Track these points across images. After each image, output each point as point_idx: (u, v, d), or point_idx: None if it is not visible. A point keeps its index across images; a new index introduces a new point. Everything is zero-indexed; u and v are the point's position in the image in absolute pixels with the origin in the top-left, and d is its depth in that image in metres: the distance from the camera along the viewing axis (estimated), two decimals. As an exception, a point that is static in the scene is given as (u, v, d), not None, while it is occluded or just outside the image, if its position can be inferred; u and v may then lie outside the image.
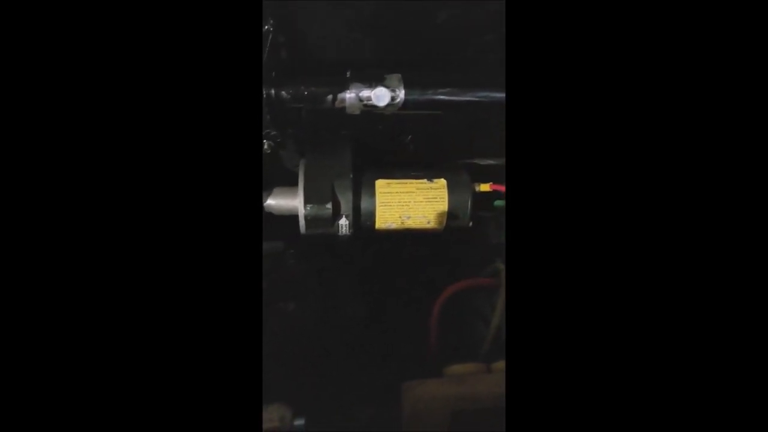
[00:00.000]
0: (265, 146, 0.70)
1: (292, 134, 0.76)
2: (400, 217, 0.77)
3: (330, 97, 0.66)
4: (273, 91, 0.64)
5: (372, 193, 0.77)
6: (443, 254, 0.88)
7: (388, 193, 0.77)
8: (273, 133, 0.67)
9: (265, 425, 0.52)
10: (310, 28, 0.67)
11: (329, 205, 0.74)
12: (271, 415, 0.53)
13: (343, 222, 0.76)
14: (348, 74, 0.66)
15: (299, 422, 0.54)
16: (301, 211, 0.75)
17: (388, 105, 0.66)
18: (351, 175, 0.75)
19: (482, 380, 0.64)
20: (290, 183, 0.81)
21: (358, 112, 0.68)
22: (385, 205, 0.77)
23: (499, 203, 0.80)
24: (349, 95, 0.66)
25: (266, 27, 0.59)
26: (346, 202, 0.75)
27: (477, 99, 0.70)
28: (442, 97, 0.67)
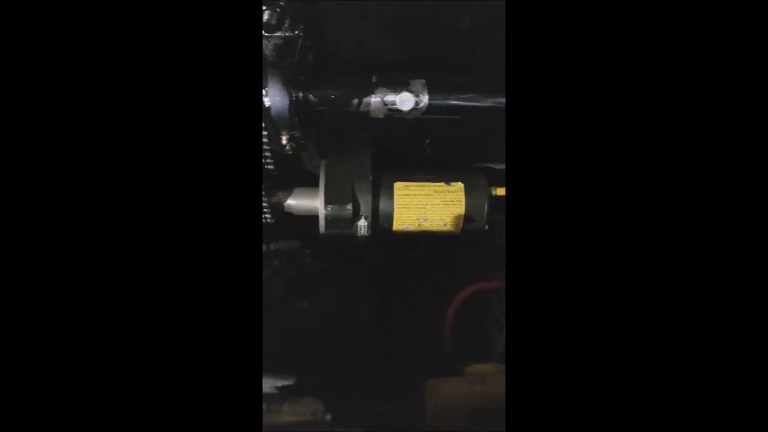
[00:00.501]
0: (287, 148, 0.71)
1: (314, 136, 0.77)
2: (417, 219, 0.79)
3: (356, 100, 0.67)
4: (301, 94, 0.65)
5: (390, 195, 0.78)
6: (458, 257, 0.90)
7: (406, 195, 0.78)
8: (297, 134, 0.69)
9: (298, 418, 0.53)
10: (337, 32, 0.68)
11: (349, 206, 0.75)
12: (304, 408, 0.54)
13: (362, 223, 0.77)
14: (374, 79, 0.67)
15: (327, 417, 0.55)
16: (322, 212, 0.76)
17: (412, 109, 0.67)
18: (371, 177, 0.76)
19: (501, 380, 0.65)
20: (309, 184, 0.82)
21: (382, 115, 0.69)
22: (403, 207, 0.78)
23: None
24: (375, 99, 0.67)
25: (296, 32, 0.60)
26: (365, 204, 0.76)
27: (495, 104, 0.72)
28: (464, 102, 0.69)
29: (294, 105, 0.64)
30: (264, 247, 0.89)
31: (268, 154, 0.72)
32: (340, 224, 0.77)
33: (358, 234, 0.78)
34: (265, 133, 0.68)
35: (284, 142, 0.67)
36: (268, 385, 0.57)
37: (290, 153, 0.73)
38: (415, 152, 0.84)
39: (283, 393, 0.57)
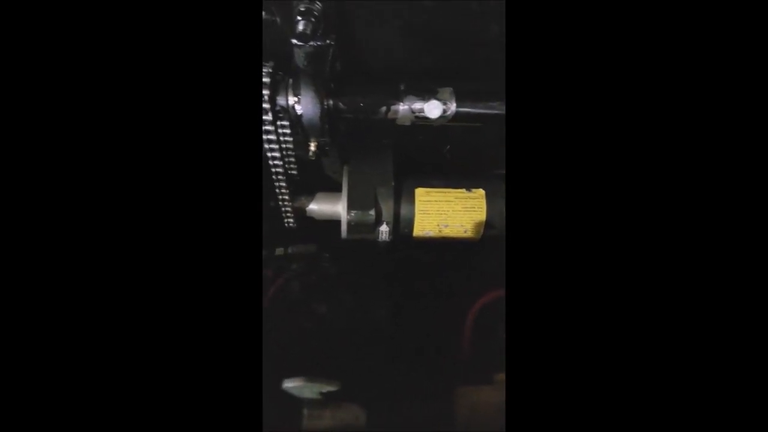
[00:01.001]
0: (310, 153, 0.72)
1: (336, 142, 0.78)
2: (438, 225, 0.79)
3: (384, 108, 0.68)
4: (331, 102, 0.66)
5: (411, 201, 0.79)
6: (476, 263, 0.90)
7: (428, 201, 0.79)
8: (325, 141, 0.69)
9: (339, 424, 0.54)
10: (365, 40, 0.69)
11: (372, 212, 0.75)
12: (345, 414, 0.54)
13: (384, 228, 0.78)
14: (402, 87, 0.68)
15: (361, 422, 0.56)
16: (344, 217, 0.76)
17: (439, 117, 0.68)
18: (393, 183, 0.77)
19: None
20: (328, 189, 0.83)
21: (409, 123, 0.70)
22: (424, 213, 0.79)
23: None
24: (402, 107, 0.68)
25: (327, 41, 0.60)
26: (387, 209, 0.77)
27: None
28: (490, 111, 0.69)
29: (325, 113, 0.65)
30: (282, 250, 0.89)
31: (292, 159, 0.73)
32: (363, 229, 0.77)
33: (379, 239, 0.79)
34: (290, 139, 0.69)
35: (313, 148, 0.68)
36: (314, 390, 0.57)
37: (313, 159, 0.74)
38: (436, 158, 0.85)
39: (325, 399, 0.57)
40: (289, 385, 0.56)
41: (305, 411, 0.56)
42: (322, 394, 0.57)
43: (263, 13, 0.62)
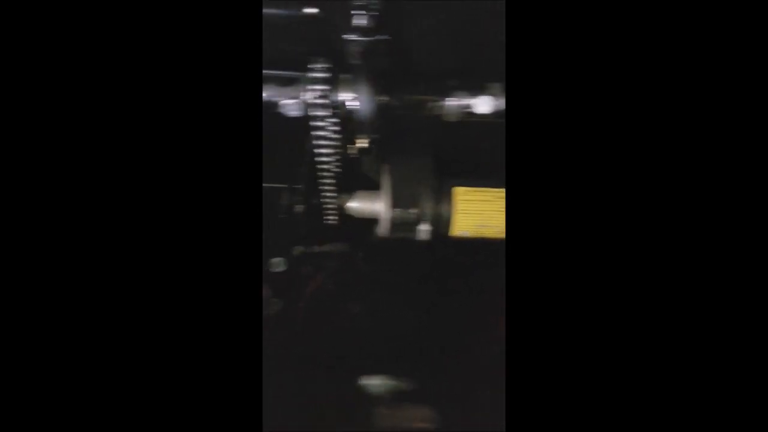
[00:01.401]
0: (356, 150, 0.72)
1: (376, 139, 0.78)
2: (476, 225, 0.79)
3: (432, 103, 0.67)
4: (382, 98, 0.66)
5: (450, 200, 0.78)
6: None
7: (466, 200, 0.78)
8: (374, 137, 0.69)
9: (406, 423, 0.53)
10: (415, 36, 0.68)
11: (415, 211, 0.75)
12: (413, 414, 0.54)
13: (424, 227, 0.77)
14: (451, 82, 0.68)
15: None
16: (386, 215, 0.76)
17: (488, 113, 0.67)
18: (433, 182, 0.76)
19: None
20: (364, 187, 0.82)
21: (456, 119, 0.69)
22: (463, 213, 0.78)
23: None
24: (451, 102, 0.68)
25: (381, 36, 0.60)
26: (427, 208, 0.77)
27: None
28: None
29: (376, 108, 0.64)
30: (317, 248, 0.89)
31: (338, 156, 0.73)
32: (404, 228, 0.77)
33: (418, 238, 0.78)
34: (338, 136, 0.69)
35: (363, 145, 0.67)
36: (390, 388, 0.57)
37: (357, 156, 0.74)
38: (477, 157, 0.85)
39: (395, 398, 0.57)
40: (367, 382, 0.55)
41: (377, 410, 0.55)
42: (396, 393, 0.57)
43: (316, 10, 0.62)
